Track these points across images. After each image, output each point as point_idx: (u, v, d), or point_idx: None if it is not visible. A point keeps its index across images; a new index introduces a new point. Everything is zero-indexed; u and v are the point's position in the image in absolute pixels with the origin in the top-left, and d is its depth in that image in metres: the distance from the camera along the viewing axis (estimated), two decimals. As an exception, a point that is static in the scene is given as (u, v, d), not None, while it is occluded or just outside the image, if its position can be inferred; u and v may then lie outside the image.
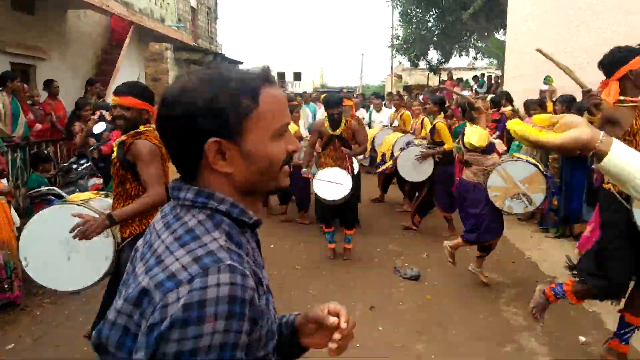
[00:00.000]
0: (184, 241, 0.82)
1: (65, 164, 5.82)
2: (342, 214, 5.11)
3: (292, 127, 6.16)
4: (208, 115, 0.84)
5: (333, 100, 5.10)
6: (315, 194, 4.90)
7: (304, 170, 5.25)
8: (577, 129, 1.06)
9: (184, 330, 0.73)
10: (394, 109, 9.35)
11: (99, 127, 5.96)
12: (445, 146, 5.70)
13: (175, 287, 0.76)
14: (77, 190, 5.06)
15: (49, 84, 7.39)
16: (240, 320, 0.76)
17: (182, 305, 0.73)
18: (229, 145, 0.86)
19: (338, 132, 4.99)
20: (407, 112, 8.21)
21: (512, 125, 1.10)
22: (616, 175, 1.08)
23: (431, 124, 5.99)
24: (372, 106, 10.42)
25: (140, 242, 0.94)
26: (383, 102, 10.79)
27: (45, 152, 5.86)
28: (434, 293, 4.32)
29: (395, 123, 8.51)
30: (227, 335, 0.74)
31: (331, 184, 4.81)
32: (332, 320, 1.01)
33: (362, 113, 10.51)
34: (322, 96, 11.82)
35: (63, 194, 4.73)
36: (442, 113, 5.96)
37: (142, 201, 2.58)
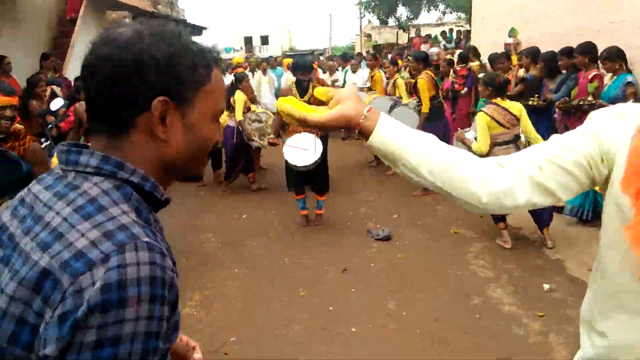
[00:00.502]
0: (87, 212, 0.71)
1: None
2: (313, 180, 5.09)
3: (239, 97, 6.11)
4: (164, 72, 0.77)
5: (302, 64, 4.99)
6: (286, 160, 4.85)
7: (270, 136, 5.17)
8: (341, 105, 1.01)
9: (104, 315, 0.64)
10: (367, 70, 9.21)
11: (56, 104, 5.74)
12: (422, 109, 5.71)
13: (86, 268, 0.66)
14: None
15: None
16: (162, 304, 0.69)
17: (99, 287, 0.65)
18: (175, 111, 0.79)
19: (306, 98, 4.88)
20: (380, 72, 8.13)
21: (280, 102, 1.06)
22: (385, 154, 1.02)
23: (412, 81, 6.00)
24: (348, 67, 10.30)
25: (6, 214, 0.81)
26: (360, 62, 10.57)
27: None
28: (405, 252, 4.40)
29: (367, 84, 8.43)
30: (150, 322, 0.68)
31: (301, 149, 4.77)
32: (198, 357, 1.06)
33: (337, 75, 10.37)
34: (287, 60, 11.65)
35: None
36: (426, 69, 5.90)
37: None
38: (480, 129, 4.12)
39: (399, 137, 1.01)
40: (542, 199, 1.01)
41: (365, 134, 1.01)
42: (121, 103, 0.77)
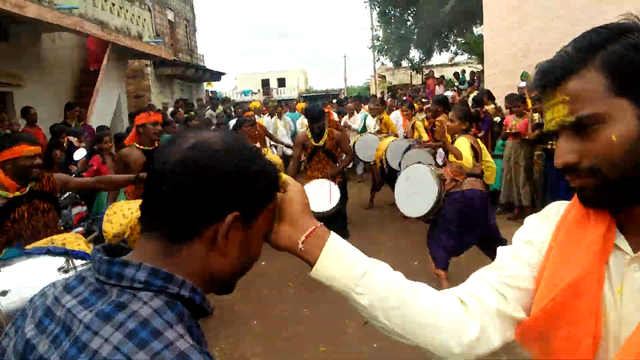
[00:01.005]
0: (141, 339, 0.62)
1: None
2: (330, 227, 5.02)
3: None
4: (246, 188, 0.77)
5: (315, 113, 5.03)
6: None
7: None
8: (277, 231, 0.89)
9: None
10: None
11: (79, 154, 5.86)
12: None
13: None
14: (61, 220, 4.96)
15: (25, 111, 7.29)
16: None
17: None
18: (239, 225, 0.77)
19: (321, 143, 4.96)
20: (387, 116, 8.23)
21: None
22: (334, 288, 0.89)
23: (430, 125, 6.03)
24: (363, 110, 10.37)
25: (29, 326, 0.73)
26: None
27: None
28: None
29: (377, 128, 8.48)
30: None
31: (318, 196, 4.72)
32: None
33: (355, 117, 10.38)
34: (301, 105, 11.83)
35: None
36: (445, 112, 5.94)
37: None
38: (464, 150, 4.07)
39: (346, 273, 0.88)
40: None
41: (308, 263, 0.90)
42: (196, 211, 0.73)
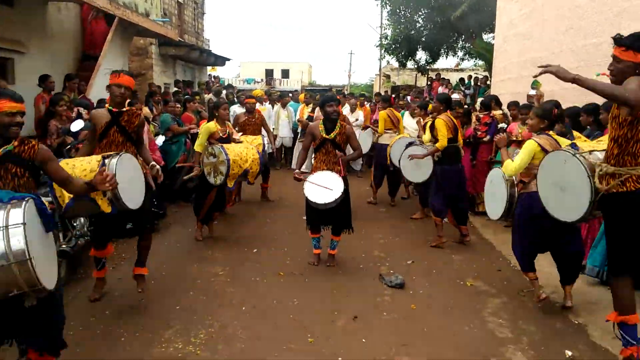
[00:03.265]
0: None
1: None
2: (332, 219, 4.94)
3: (205, 127, 5.68)
4: None
5: (332, 97, 5.00)
6: (306, 197, 4.75)
7: (296, 171, 4.84)
8: None
9: None
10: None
11: (76, 125, 5.76)
12: (437, 144, 5.63)
13: None
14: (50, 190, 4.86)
15: (44, 79, 7.20)
16: None
17: None
18: None
19: (332, 136, 4.85)
20: (384, 112, 8.03)
21: None
22: None
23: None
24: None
25: None
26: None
27: None
28: (418, 302, 4.24)
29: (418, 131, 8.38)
30: None
31: (322, 187, 4.67)
32: None
33: (357, 114, 10.30)
34: (301, 96, 11.74)
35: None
36: (446, 111, 5.84)
37: None
38: (524, 154, 3.94)
39: None
40: None
41: None
42: None
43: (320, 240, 5.11)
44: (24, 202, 2.30)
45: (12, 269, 2.17)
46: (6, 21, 7.85)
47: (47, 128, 6.19)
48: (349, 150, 5.30)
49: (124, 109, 3.97)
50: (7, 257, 2.16)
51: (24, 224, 2.21)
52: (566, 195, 3.28)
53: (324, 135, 4.86)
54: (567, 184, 3.25)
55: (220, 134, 5.68)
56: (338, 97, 7.93)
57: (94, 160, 3.56)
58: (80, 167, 3.50)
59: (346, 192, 4.75)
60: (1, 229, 2.19)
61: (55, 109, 5.99)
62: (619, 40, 2.49)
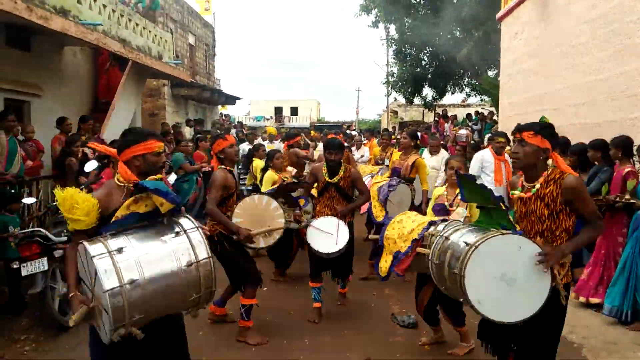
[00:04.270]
0: None
1: (54, 203, 5.67)
2: (334, 266, 4.66)
3: (268, 176, 5.79)
4: None
5: (333, 144, 4.66)
6: (308, 244, 4.47)
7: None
8: None
9: None
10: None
11: (89, 166, 5.86)
12: (423, 186, 5.63)
13: None
14: (65, 230, 4.91)
15: (61, 121, 7.42)
16: None
17: None
18: None
19: (335, 179, 4.58)
20: (396, 152, 8.14)
21: None
22: None
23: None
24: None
25: None
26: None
27: (12, 191, 5.66)
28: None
29: (386, 162, 8.40)
30: None
31: (326, 234, 4.39)
32: None
33: (363, 150, 10.38)
34: (313, 133, 11.81)
35: (49, 235, 4.60)
36: (416, 149, 5.76)
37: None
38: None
39: None
40: None
41: None
42: None
43: (321, 292, 4.69)
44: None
45: (197, 271, 2.30)
46: (23, 65, 8.14)
47: (64, 167, 6.32)
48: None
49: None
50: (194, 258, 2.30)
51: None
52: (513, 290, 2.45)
53: (327, 179, 4.61)
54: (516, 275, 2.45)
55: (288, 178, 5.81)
56: (340, 136, 7.84)
57: None
58: None
59: (351, 240, 4.49)
60: (183, 232, 2.36)
61: (71, 149, 6.16)
62: (528, 126, 2.55)
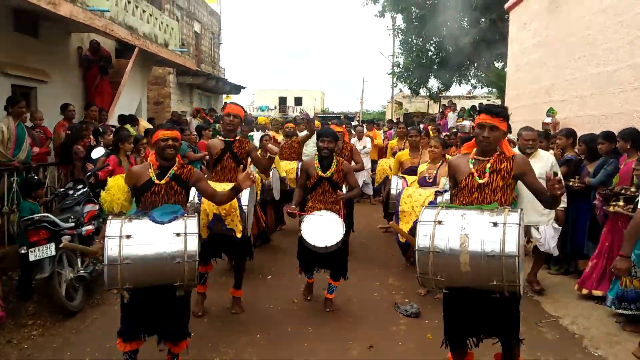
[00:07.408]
0: None
1: (61, 190, 5.71)
2: (329, 263, 4.50)
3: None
4: None
5: (326, 132, 4.55)
6: (302, 237, 4.31)
7: (291, 205, 4.55)
8: None
9: None
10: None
11: (96, 153, 5.88)
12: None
13: None
14: (72, 216, 4.96)
15: (64, 108, 7.45)
16: None
17: None
18: None
19: (328, 174, 4.45)
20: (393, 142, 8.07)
21: None
22: None
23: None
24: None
25: None
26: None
27: (36, 177, 5.73)
28: (434, 332, 4.17)
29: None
30: None
31: (321, 228, 4.30)
32: None
33: (365, 141, 10.34)
34: (317, 123, 11.74)
35: (57, 220, 4.63)
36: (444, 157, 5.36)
37: None
38: None
39: None
40: None
41: None
42: None
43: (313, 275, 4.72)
44: (196, 215, 3.07)
45: (183, 266, 2.82)
46: (30, 51, 8.15)
47: (69, 154, 6.34)
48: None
49: (236, 138, 4.48)
50: (183, 256, 2.82)
51: (198, 233, 2.93)
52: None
53: (320, 173, 4.48)
54: None
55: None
56: (343, 127, 7.67)
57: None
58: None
59: (346, 234, 4.42)
60: (181, 235, 2.87)
61: (82, 136, 6.20)
62: (500, 112, 2.77)
